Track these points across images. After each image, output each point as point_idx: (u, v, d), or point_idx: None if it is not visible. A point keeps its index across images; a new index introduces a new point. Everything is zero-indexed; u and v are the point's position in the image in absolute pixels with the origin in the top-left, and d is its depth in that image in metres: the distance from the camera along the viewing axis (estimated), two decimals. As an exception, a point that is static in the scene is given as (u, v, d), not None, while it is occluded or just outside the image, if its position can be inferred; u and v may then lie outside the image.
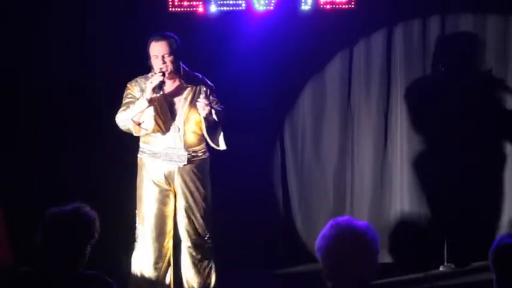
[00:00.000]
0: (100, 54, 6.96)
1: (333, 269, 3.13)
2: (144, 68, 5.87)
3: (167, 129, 5.67)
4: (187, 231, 5.79)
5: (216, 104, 5.73)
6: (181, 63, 5.75)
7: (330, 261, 3.13)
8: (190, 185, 5.75)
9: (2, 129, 6.87)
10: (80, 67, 6.96)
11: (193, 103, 5.70)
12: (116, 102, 5.98)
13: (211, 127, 5.69)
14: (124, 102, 5.73)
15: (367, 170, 7.29)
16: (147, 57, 5.70)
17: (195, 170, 5.76)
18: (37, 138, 6.93)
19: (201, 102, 5.58)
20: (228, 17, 7.09)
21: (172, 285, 5.86)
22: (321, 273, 3.17)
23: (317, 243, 3.18)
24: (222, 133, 5.73)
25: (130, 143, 5.99)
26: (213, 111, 5.59)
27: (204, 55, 6.68)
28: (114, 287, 3.62)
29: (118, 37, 6.92)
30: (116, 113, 5.78)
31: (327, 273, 3.15)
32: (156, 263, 5.76)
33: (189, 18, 7.01)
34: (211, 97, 5.76)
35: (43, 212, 3.65)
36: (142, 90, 5.66)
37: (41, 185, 6.82)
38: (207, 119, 5.63)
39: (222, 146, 5.77)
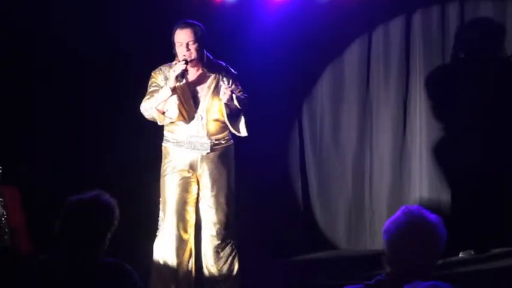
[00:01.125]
0: (116, 45, 6.95)
1: (395, 255, 3.15)
2: (161, 56, 5.86)
3: (191, 118, 5.67)
4: (211, 219, 5.78)
5: (240, 92, 5.71)
6: (205, 52, 5.74)
7: (394, 246, 3.15)
8: (214, 172, 5.75)
9: (20, 122, 6.90)
10: (95, 60, 6.96)
11: (216, 91, 5.70)
12: (133, 90, 5.99)
13: (233, 114, 5.69)
14: (149, 91, 5.71)
15: (386, 158, 7.28)
16: (171, 45, 5.69)
17: (218, 157, 5.75)
18: (55, 127, 6.96)
19: (222, 87, 5.59)
20: (245, 4, 7.08)
21: (194, 273, 5.87)
22: (382, 257, 3.20)
23: (385, 226, 3.20)
24: (243, 119, 5.71)
25: (152, 132, 6.01)
26: (234, 96, 5.57)
27: (220, 43, 6.68)
28: (133, 274, 3.63)
29: (134, 26, 6.92)
30: (132, 100, 5.79)
31: (389, 257, 3.17)
32: (178, 250, 5.76)
33: (206, 6, 7.00)
34: (233, 85, 5.75)
35: (63, 200, 3.67)
36: (166, 79, 5.64)
37: (60, 173, 6.84)
38: (229, 106, 5.62)
39: (243, 132, 5.74)
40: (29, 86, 6.93)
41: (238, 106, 5.58)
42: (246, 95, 5.73)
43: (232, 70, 5.84)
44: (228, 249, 5.83)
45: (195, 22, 5.68)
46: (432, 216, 3.19)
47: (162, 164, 5.81)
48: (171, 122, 5.68)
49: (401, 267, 3.14)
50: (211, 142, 5.70)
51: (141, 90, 5.78)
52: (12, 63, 6.88)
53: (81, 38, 6.91)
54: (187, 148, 5.70)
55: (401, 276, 3.13)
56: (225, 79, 5.72)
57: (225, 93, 5.55)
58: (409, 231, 3.14)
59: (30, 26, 6.87)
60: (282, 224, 7.24)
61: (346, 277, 6.37)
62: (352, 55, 7.28)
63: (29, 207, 6.33)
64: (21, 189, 6.32)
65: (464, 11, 7.13)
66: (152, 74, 5.77)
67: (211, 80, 5.73)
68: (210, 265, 5.84)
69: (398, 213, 3.20)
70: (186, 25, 5.64)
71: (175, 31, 5.65)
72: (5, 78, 6.85)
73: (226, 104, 5.59)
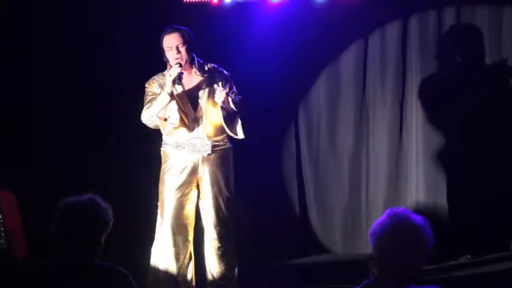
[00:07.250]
0: (114, 48, 6.95)
1: (382, 258, 3.15)
2: (159, 59, 5.86)
3: (192, 122, 5.68)
4: (212, 222, 5.79)
5: (233, 94, 5.72)
6: (194, 56, 5.76)
7: (381, 249, 3.14)
8: (215, 174, 5.76)
9: (19, 124, 6.89)
10: (92, 63, 6.95)
11: (211, 94, 5.72)
12: (130, 92, 6.00)
13: (230, 117, 5.70)
14: (147, 100, 5.73)
15: (383, 161, 7.28)
16: (162, 53, 5.71)
17: (218, 159, 5.77)
18: (54, 131, 6.95)
19: (217, 89, 5.61)
20: (242, 8, 7.08)
21: (194, 278, 5.86)
22: (370, 260, 3.22)
23: (372, 229, 3.20)
24: (240, 122, 5.73)
25: (150, 135, 6.01)
26: (230, 99, 5.60)
27: (218, 46, 6.68)
28: (128, 277, 3.64)
29: (132, 30, 6.91)
30: (129, 104, 5.80)
31: (376, 260, 3.18)
32: (177, 254, 5.75)
33: (203, 9, 7.01)
34: (228, 87, 5.77)
35: (58, 204, 3.67)
36: (161, 86, 5.68)
37: (56, 177, 6.83)
38: (225, 108, 5.64)
39: (240, 135, 5.77)
40: (27, 89, 6.92)
41: (234, 108, 5.61)
42: (240, 97, 5.75)
43: (225, 71, 5.86)
44: (229, 254, 5.83)
45: (181, 27, 5.72)
46: (418, 218, 3.19)
47: (162, 168, 5.81)
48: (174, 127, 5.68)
49: (388, 270, 3.13)
50: (211, 143, 5.70)
51: (138, 94, 5.79)
52: (12, 65, 6.88)
53: (79, 41, 6.92)
54: (188, 150, 5.70)
55: (389, 279, 3.12)
56: (219, 82, 5.73)
57: (219, 95, 5.56)
58: (395, 233, 3.14)
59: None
60: (278, 228, 7.23)
61: (342, 281, 6.36)
62: (349, 59, 7.28)
63: (25, 211, 6.32)
64: (17, 193, 6.31)
65: (460, 15, 7.13)
66: (146, 85, 5.81)
67: (205, 83, 5.75)
68: (212, 268, 5.84)
69: (384, 216, 3.21)
70: (172, 30, 5.71)
71: (163, 38, 5.71)
72: (2, 82, 6.85)
73: (222, 107, 5.61)
